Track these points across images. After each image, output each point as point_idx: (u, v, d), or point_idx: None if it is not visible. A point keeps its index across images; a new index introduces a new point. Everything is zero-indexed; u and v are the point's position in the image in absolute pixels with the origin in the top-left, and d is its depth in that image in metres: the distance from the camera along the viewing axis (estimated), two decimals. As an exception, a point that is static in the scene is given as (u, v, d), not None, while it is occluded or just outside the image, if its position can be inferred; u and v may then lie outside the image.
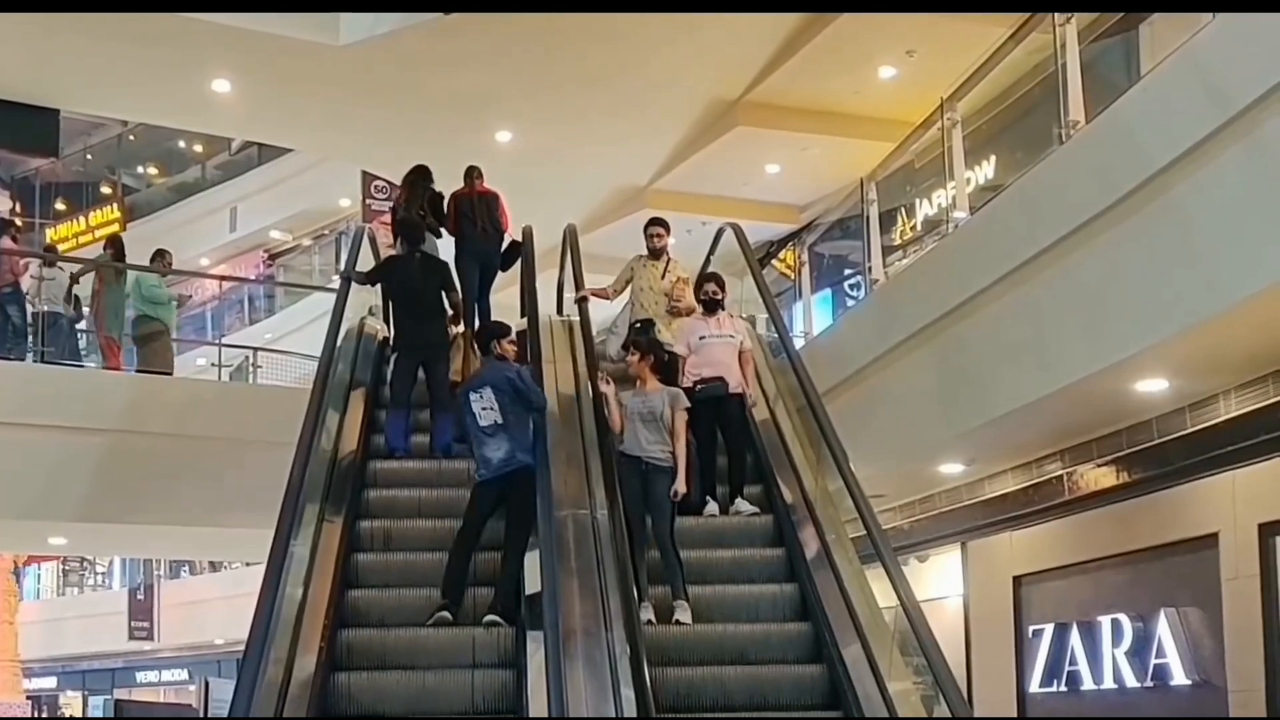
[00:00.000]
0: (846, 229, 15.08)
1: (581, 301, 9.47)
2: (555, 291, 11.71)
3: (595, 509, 7.29)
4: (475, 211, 10.76)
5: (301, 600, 6.70)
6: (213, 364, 13.39)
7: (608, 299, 10.03)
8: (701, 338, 8.64)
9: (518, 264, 10.59)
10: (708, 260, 11.19)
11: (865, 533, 7.00)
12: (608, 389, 7.84)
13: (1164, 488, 9.27)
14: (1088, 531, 10.24)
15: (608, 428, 7.70)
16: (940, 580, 12.26)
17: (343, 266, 10.56)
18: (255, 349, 16.03)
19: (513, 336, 8.28)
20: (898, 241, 13.90)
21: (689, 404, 7.83)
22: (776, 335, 9.22)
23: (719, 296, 8.85)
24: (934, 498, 12.13)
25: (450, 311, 9.61)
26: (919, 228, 13.73)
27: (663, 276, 9.77)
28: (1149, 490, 9.40)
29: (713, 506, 8.29)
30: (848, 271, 15.91)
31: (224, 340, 16.45)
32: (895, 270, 12.50)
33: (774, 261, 17.85)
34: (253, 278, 28.21)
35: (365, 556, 7.92)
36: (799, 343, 12.14)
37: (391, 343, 9.74)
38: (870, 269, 12.44)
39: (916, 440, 10.32)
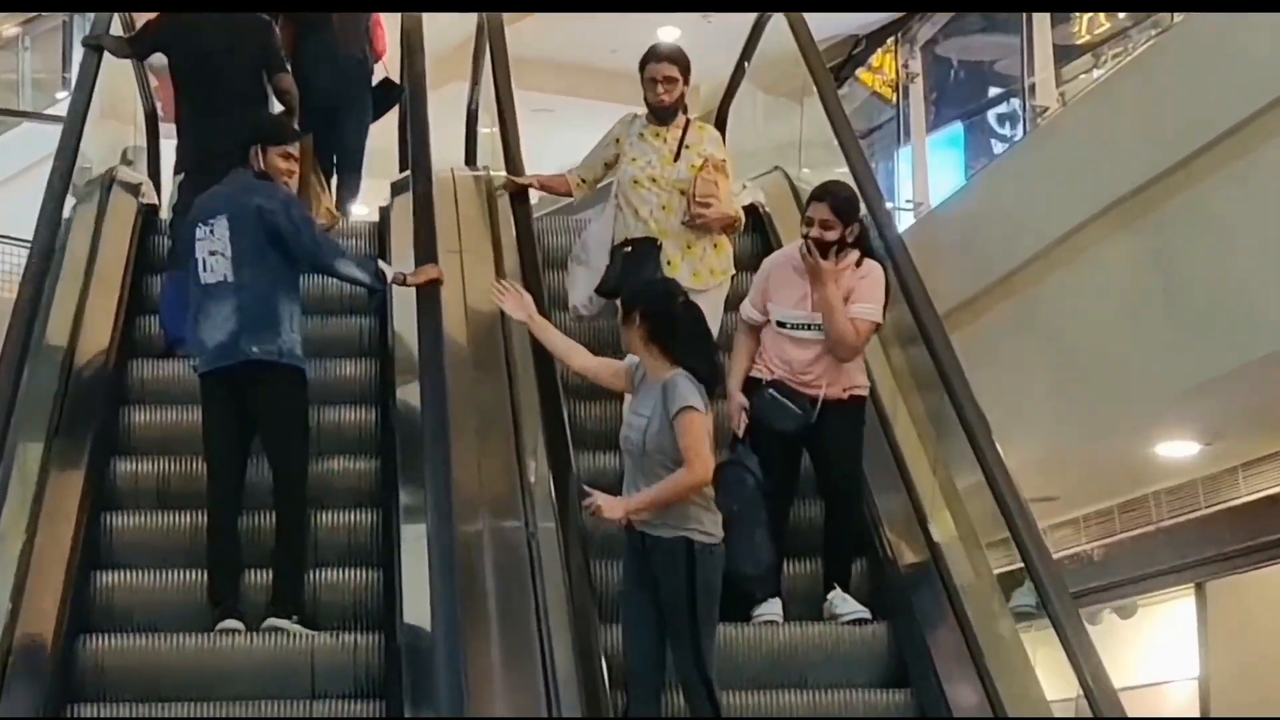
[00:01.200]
0: (990, 16, 15.09)
1: (516, 196, 9.46)
2: (464, 125, 11.67)
3: (533, 518, 7.33)
4: (329, 18, 10.78)
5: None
6: None
7: (567, 195, 9.88)
8: (781, 324, 8.24)
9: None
10: (739, 70, 11.15)
11: (1021, 564, 7.04)
12: (515, 306, 7.89)
13: None
14: None
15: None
16: (1158, 649, 12.43)
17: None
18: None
19: (290, 149, 8.28)
20: (1083, 38, 13.92)
21: (694, 403, 7.00)
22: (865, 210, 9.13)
23: (833, 236, 8.15)
24: (1145, 503, 12.25)
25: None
26: (1120, 14, 13.77)
27: (676, 158, 9.43)
28: None
29: (774, 606, 7.98)
30: (993, 92, 15.94)
31: None
32: (1078, 90, 12.54)
33: (860, 73, 17.87)
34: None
35: (124, 519, 8.16)
36: (905, 221, 12.14)
37: (177, 160, 9.76)
38: (1033, 87, 12.49)
39: (1113, 398, 10.34)
